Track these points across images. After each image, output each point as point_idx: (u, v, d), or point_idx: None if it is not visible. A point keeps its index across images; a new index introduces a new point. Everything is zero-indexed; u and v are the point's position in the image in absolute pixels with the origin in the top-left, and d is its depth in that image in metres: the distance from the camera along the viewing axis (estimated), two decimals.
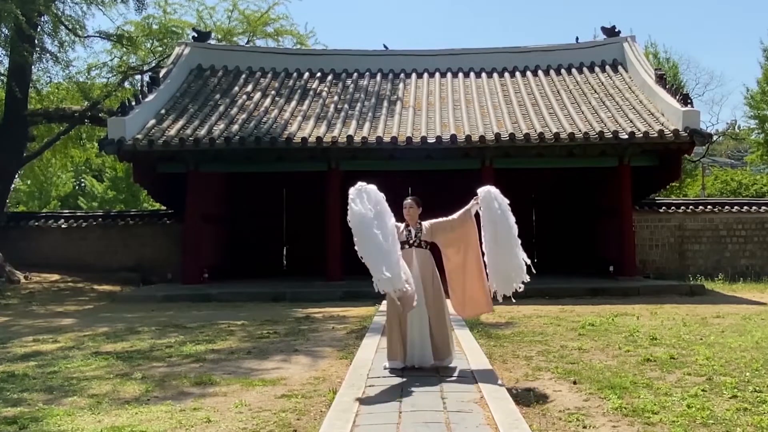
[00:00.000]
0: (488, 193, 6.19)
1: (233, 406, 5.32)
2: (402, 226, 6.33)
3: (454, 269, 6.38)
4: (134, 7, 19.59)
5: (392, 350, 6.18)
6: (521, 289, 6.14)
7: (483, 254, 6.17)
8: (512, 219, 6.16)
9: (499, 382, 5.69)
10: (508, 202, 6.22)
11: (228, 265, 17.89)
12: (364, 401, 5.07)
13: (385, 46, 20.80)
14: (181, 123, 15.60)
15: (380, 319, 8.92)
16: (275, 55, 20.46)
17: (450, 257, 6.38)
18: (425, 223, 6.34)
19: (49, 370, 6.82)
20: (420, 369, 6.07)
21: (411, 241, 6.26)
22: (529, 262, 6.14)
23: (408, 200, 6.42)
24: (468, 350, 7.05)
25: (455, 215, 6.36)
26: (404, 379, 5.77)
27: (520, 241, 6.16)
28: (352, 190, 5.86)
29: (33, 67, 18.22)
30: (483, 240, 6.14)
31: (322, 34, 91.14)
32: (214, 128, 15.45)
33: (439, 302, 6.24)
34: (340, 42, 78.50)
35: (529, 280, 6.15)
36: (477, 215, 6.30)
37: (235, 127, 15.60)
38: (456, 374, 5.97)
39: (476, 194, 6.24)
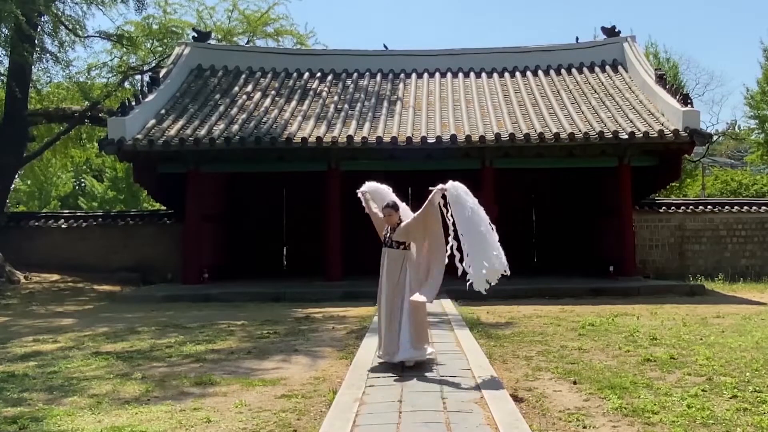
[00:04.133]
0: (454, 189, 6.30)
1: (233, 406, 5.32)
2: (386, 226, 6.59)
3: (423, 260, 6.48)
4: (134, 7, 19.58)
5: (379, 343, 6.53)
6: (493, 284, 6.14)
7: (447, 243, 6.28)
8: (480, 217, 6.22)
9: (499, 381, 5.69)
10: (477, 201, 6.34)
11: (228, 265, 17.89)
12: (364, 401, 5.07)
13: (385, 46, 20.81)
14: (181, 123, 15.60)
15: None
16: (275, 55, 20.46)
17: (422, 250, 6.50)
18: (402, 224, 6.50)
19: (49, 370, 6.83)
20: (415, 369, 6.13)
21: (386, 242, 6.53)
22: (504, 264, 6.08)
23: (389, 207, 6.56)
24: (468, 350, 7.04)
25: (419, 210, 6.42)
26: (404, 379, 5.78)
27: (495, 238, 6.17)
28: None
29: (33, 67, 18.21)
30: (459, 233, 6.17)
31: (322, 34, 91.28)
32: (214, 128, 15.45)
33: (402, 300, 6.32)
34: (340, 42, 78.53)
35: (504, 275, 6.13)
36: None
37: (235, 127, 15.60)
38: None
39: (442, 188, 6.34)
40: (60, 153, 23.72)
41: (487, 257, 6.03)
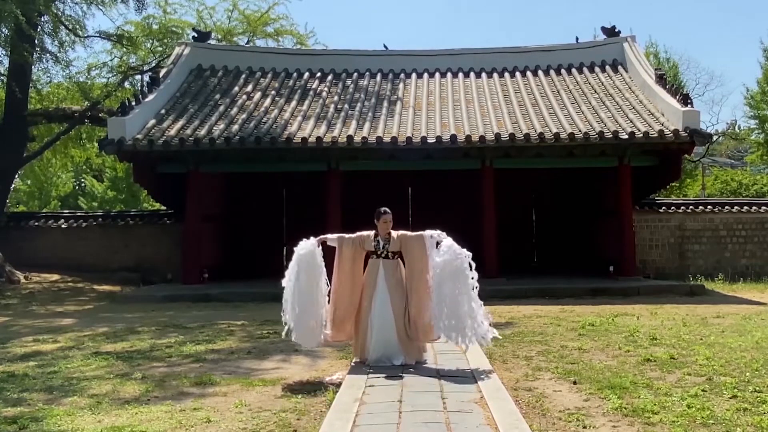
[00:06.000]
0: (451, 247, 6.36)
1: (233, 406, 5.33)
2: (371, 235, 6.65)
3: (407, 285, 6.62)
4: (134, 7, 19.54)
5: (356, 350, 6.66)
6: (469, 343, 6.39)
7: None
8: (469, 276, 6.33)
9: (499, 381, 5.70)
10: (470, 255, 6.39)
11: (228, 265, 17.88)
12: (364, 401, 5.07)
13: (385, 46, 20.80)
14: (181, 123, 15.60)
15: None
16: (275, 55, 20.45)
17: (408, 272, 6.62)
18: (394, 234, 6.61)
19: (49, 370, 6.83)
20: (415, 369, 6.20)
21: (379, 252, 6.59)
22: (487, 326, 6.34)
23: (388, 213, 6.65)
24: (468, 350, 7.04)
25: (421, 234, 6.56)
26: (404, 379, 5.78)
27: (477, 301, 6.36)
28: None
29: (33, 67, 18.20)
30: (440, 282, 6.29)
31: (322, 34, 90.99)
32: (214, 128, 15.44)
33: (404, 308, 6.49)
34: (340, 42, 78.47)
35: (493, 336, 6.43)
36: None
37: (235, 127, 15.59)
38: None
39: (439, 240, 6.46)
40: (60, 153, 23.71)
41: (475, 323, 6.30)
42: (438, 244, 6.42)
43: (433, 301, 6.31)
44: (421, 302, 6.43)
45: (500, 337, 6.59)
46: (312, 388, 5.89)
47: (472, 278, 6.29)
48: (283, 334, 6.59)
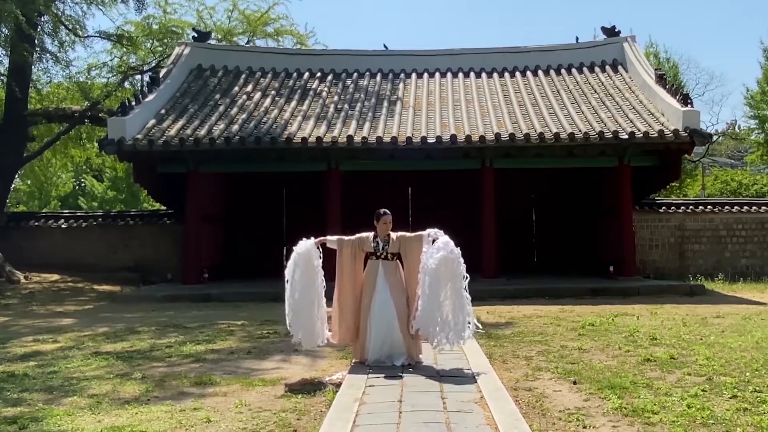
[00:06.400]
0: (448, 243, 6.32)
1: (233, 406, 5.33)
2: (371, 236, 6.65)
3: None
4: (134, 7, 19.61)
5: (356, 351, 6.62)
6: (458, 343, 6.36)
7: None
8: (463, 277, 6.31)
9: (499, 381, 5.70)
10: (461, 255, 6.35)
11: (228, 265, 17.88)
12: (364, 401, 5.07)
13: (385, 46, 20.81)
14: (181, 123, 15.60)
15: None
16: (275, 55, 20.45)
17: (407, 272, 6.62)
18: (393, 235, 6.61)
19: (49, 370, 6.83)
20: (415, 369, 6.20)
21: (378, 254, 6.59)
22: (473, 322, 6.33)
23: (388, 215, 6.66)
24: (468, 350, 7.04)
25: (420, 235, 6.55)
26: (404, 379, 5.78)
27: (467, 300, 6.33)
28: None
29: (33, 67, 18.21)
30: (430, 283, 6.25)
31: (322, 34, 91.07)
32: (214, 128, 15.44)
33: (405, 308, 6.49)
34: (340, 42, 78.48)
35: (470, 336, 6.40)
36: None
37: (235, 127, 15.59)
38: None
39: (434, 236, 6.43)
40: (60, 153, 23.71)
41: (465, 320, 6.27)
42: (434, 241, 6.39)
43: (424, 298, 6.23)
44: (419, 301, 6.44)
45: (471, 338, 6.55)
46: (312, 388, 5.89)
47: (465, 278, 6.28)
48: (289, 328, 6.59)
